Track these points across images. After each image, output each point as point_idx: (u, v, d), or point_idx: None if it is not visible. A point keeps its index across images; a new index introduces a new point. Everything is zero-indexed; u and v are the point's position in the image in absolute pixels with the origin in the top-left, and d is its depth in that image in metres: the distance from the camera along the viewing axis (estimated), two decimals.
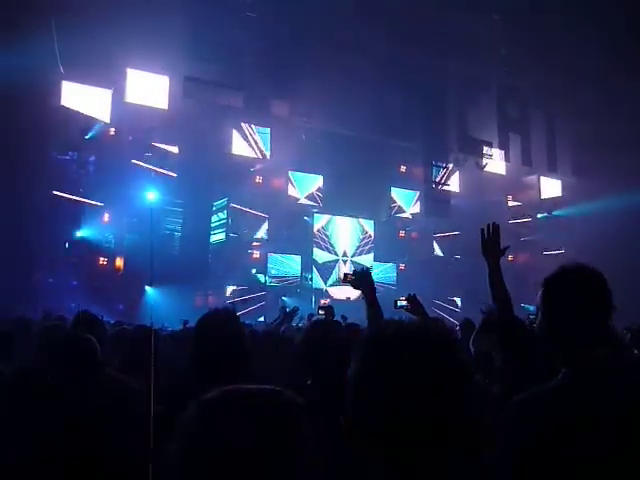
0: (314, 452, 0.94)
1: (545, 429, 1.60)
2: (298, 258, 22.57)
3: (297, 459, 0.91)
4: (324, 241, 23.51)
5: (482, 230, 2.90)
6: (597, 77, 18.99)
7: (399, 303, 3.83)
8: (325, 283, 23.02)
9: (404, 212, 24.87)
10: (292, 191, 22.41)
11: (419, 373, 1.02)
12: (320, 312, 5.19)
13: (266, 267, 21.76)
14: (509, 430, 1.63)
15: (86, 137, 17.83)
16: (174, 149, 19.18)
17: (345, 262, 23.78)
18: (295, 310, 7.01)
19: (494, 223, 2.91)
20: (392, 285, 23.96)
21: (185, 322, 6.62)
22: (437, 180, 23.85)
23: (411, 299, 3.59)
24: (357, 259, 23.94)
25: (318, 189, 22.83)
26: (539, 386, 1.74)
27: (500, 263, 2.90)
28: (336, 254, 23.68)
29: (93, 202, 17.44)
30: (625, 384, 1.66)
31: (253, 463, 0.88)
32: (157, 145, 18.76)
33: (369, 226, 24.46)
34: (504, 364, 2.47)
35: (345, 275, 3.59)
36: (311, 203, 22.89)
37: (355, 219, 24.14)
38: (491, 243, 2.84)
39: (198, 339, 2.07)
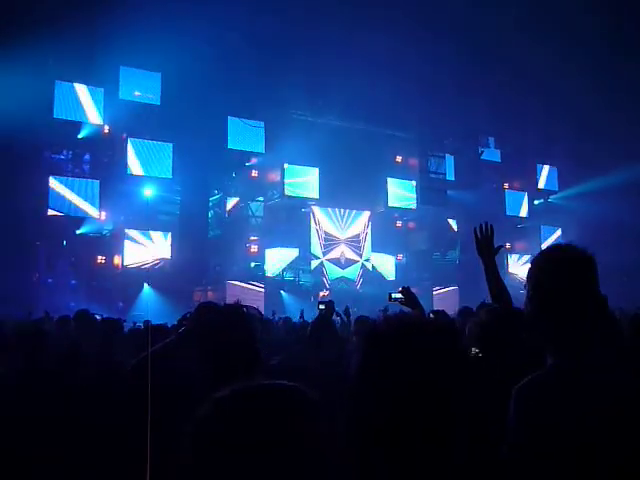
0: (329, 448, 0.93)
1: (536, 421, 1.55)
2: (295, 251, 22.56)
3: (312, 455, 0.91)
4: (321, 231, 23.49)
5: (475, 230, 2.95)
6: (593, 65, 18.99)
7: (393, 296, 3.84)
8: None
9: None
10: (288, 184, 22.37)
11: (423, 367, 1.03)
12: (320, 307, 5.10)
13: (264, 261, 21.75)
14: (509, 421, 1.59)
15: (79, 136, 17.79)
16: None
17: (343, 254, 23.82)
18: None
19: (487, 223, 2.95)
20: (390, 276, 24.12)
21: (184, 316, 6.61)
22: (433, 170, 23.82)
23: (405, 292, 3.59)
24: (352, 250, 23.99)
25: (314, 181, 22.80)
26: (532, 376, 1.65)
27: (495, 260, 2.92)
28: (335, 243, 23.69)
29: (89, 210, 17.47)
30: (615, 384, 1.59)
31: (268, 460, 0.88)
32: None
33: (366, 217, 24.41)
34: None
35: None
36: (308, 196, 22.83)
37: (352, 210, 24.08)
38: (485, 243, 2.89)
39: (205, 336, 2.07)
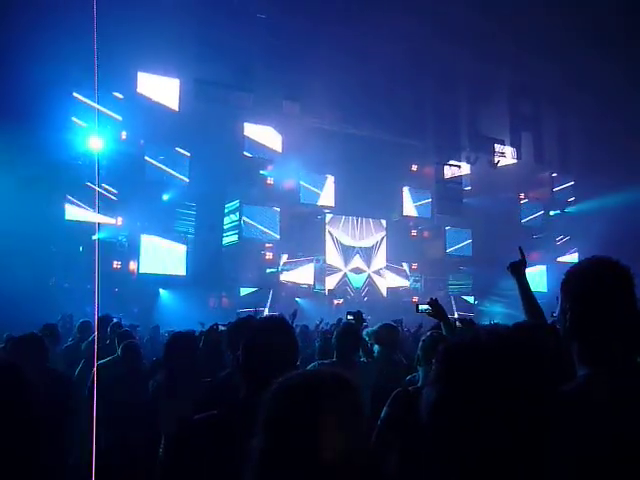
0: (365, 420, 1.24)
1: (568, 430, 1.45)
2: (311, 266, 22.70)
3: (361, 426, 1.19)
4: (337, 241, 23.57)
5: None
6: (608, 76, 18.84)
7: (421, 307, 3.82)
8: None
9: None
10: (303, 192, 22.48)
11: (514, 388, 0.96)
12: (349, 317, 5.17)
13: (279, 268, 21.83)
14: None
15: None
16: (186, 153, 19.36)
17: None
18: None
19: (519, 247, 3.21)
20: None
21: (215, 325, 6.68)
22: (449, 179, 23.76)
23: (433, 303, 3.59)
24: (362, 259, 24.06)
25: (330, 189, 22.90)
26: (566, 385, 1.63)
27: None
28: (350, 255, 23.78)
29: (106, 219, 17.53)
30: None
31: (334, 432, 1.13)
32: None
33: (381, 226, 24.44)
34: None
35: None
36: (323, 204, 22.92)
37: (367, 219, 24.10)
38: (517, 262, 3.08)
39: (250, 347, 2.08)
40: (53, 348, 6.37)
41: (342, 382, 1.25)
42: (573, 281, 1.76)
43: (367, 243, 24.07)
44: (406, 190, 24.44)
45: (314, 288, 22.43)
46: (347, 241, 23.71)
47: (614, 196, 21.65)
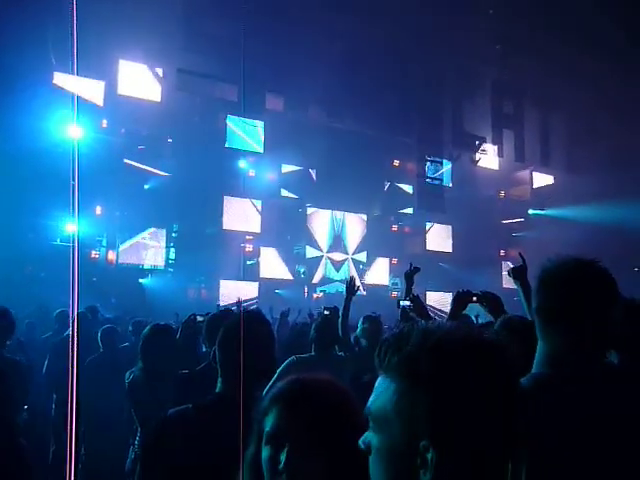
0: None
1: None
2: (290, 252, 22.69)
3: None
4: (311, 236, 23.54)
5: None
6: (591, 74, 18.98)
7: (402, 303, 3.80)
8: (311, 279, 23.15)
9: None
10: (284, 184, 22.44)
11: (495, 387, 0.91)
12: (325, 312, 5.32)
13: (258, 260, 21.78)
14: None
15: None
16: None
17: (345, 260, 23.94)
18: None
19: (520, 253, 3.52)
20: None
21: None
22: (430, 175, 23.82)
23: (414, 299, 3.58)
24: (356, 257, 24.11)
25: (311, 183, 22.89)
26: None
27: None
28: (320, 250, 23.71)
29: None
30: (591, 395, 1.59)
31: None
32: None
33: (362, 220, 24.50)
34: None
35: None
36: (304, 197, 22.92)
37: (348, 213, 24.13)
38: (522, 269, 3.29)
39: (226, 340, 2.05)
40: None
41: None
42: (545, 275, 1.76)
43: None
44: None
45: (297, 274, 22.52)
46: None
47: (594, 203, 21.63)
